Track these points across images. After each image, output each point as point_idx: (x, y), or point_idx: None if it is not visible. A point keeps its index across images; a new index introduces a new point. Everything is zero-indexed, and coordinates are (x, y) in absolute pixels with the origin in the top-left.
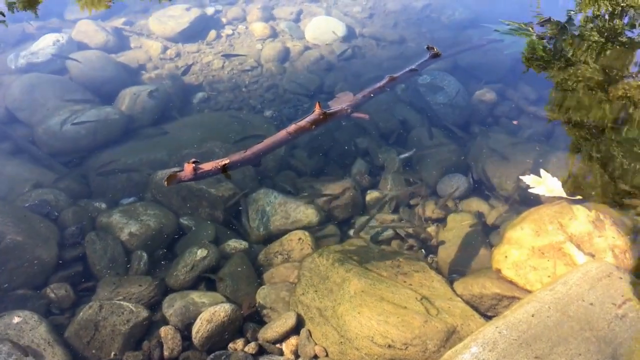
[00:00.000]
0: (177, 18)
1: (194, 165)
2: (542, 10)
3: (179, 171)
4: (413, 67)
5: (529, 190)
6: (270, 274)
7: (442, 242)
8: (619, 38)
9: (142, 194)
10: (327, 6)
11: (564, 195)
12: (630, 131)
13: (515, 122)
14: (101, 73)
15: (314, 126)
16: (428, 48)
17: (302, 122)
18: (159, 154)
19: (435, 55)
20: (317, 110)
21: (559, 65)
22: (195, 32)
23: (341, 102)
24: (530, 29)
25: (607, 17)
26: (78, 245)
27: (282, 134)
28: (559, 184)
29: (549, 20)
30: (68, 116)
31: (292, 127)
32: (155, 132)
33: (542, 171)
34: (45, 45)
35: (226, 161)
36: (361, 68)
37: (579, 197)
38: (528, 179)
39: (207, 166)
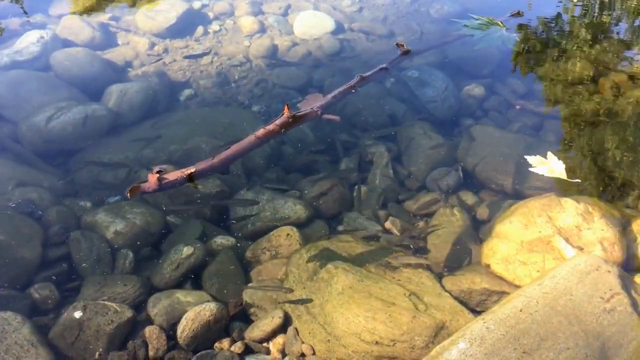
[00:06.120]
0: (164, 12)
1: (158, 175)
2: (533, 2)
3: (143, 182)
4: (384, 65)
5: (530, 169)
6: (257, 271)
7: (431, 238)
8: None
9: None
10: (315, 0)
11: (564, 176)
12: (620, 123)
13: (517, 107)
14: (87, 70)
15: (283, 129)
16: (397, 45)
17: (271, 126)
18: (146, 150)
19: (405, 53)
20: (286, 112)
21: (549, 58)
22: (183, 28)
23: (311, 104)
24: (499, 23)
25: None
26: (62, 244)
27: (250, 138)
28: (563, 166)
29: (518, 14)
30: (53, 113)
31: (260, 132)
32: (149, 133)
33: (549, 153)
34: (29, 42)
35: (192, 170)
36: (350, 63)
37: (578, 180)
38: (532, 159)
39: (172, 176)
